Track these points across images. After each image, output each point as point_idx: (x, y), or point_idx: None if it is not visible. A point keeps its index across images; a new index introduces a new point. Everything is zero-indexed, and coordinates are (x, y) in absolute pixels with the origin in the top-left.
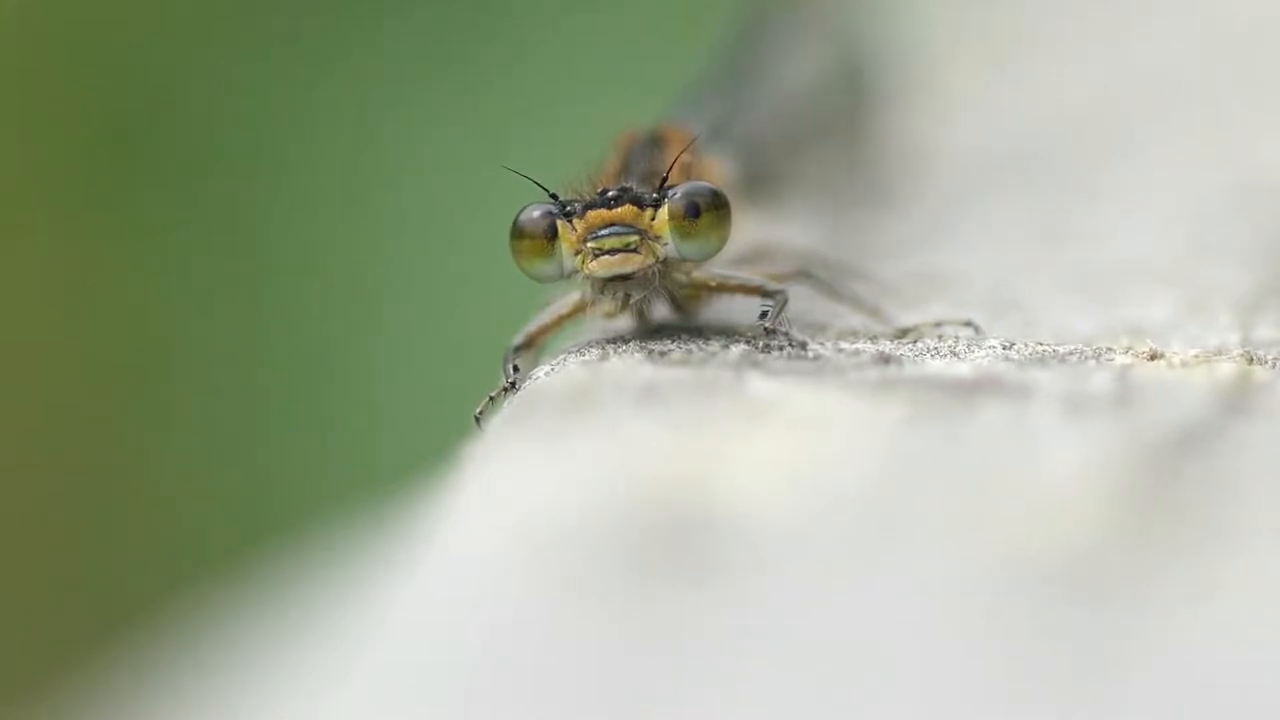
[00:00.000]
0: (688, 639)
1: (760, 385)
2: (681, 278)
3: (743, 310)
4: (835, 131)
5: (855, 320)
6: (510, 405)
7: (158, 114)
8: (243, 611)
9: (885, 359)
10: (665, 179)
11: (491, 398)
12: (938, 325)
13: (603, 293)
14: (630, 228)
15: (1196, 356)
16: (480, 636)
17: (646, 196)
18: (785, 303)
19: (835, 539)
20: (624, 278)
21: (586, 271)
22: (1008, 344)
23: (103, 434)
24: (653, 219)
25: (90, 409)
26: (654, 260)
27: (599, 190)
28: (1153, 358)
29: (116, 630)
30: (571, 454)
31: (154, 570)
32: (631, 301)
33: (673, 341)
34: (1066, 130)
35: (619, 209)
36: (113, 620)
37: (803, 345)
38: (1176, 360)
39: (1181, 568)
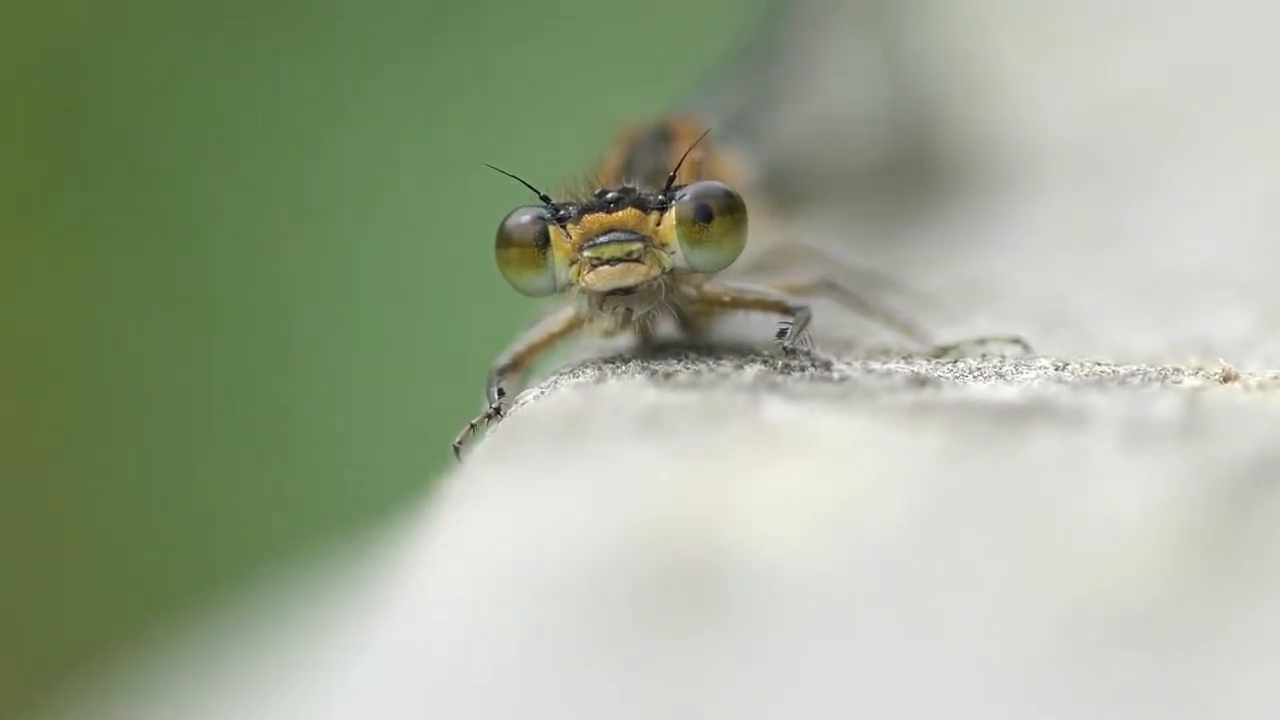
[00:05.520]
0: (694, 704)
1: (778, 411)
2: (690, 291)
3: (759, 327)
4: (868, 124)
5: (887, 337)
6: (494, 433)
7: (90, 112)
8: (191, 666)
9: (921, 381)
10: (673, 178)
11: (473, 425)
12: (981, 343)
13: (601, 308)
14: (632, 234)
15: (1276, 378)
16: (456, 703)
17: (651, 198)
18: (808, 319)
19: (864, 587)
20: (625, 291)
21: (582, 284)
22: (1060, 364)
23: (41, 465)
24: (658, 224)
25: (26, 435)
26: (659, 271)
27: (597, 191)
28: (1226, 380)
29: (61, 677)
30: (563, 489)
31: (100, 611)
32: (634, 318)
33: (679, 361)
34: (1123, 121)
35: (620, 213)
36: (59, 666)
37: (826, 366)
38: (1253, 382)
39: (1256, 618)
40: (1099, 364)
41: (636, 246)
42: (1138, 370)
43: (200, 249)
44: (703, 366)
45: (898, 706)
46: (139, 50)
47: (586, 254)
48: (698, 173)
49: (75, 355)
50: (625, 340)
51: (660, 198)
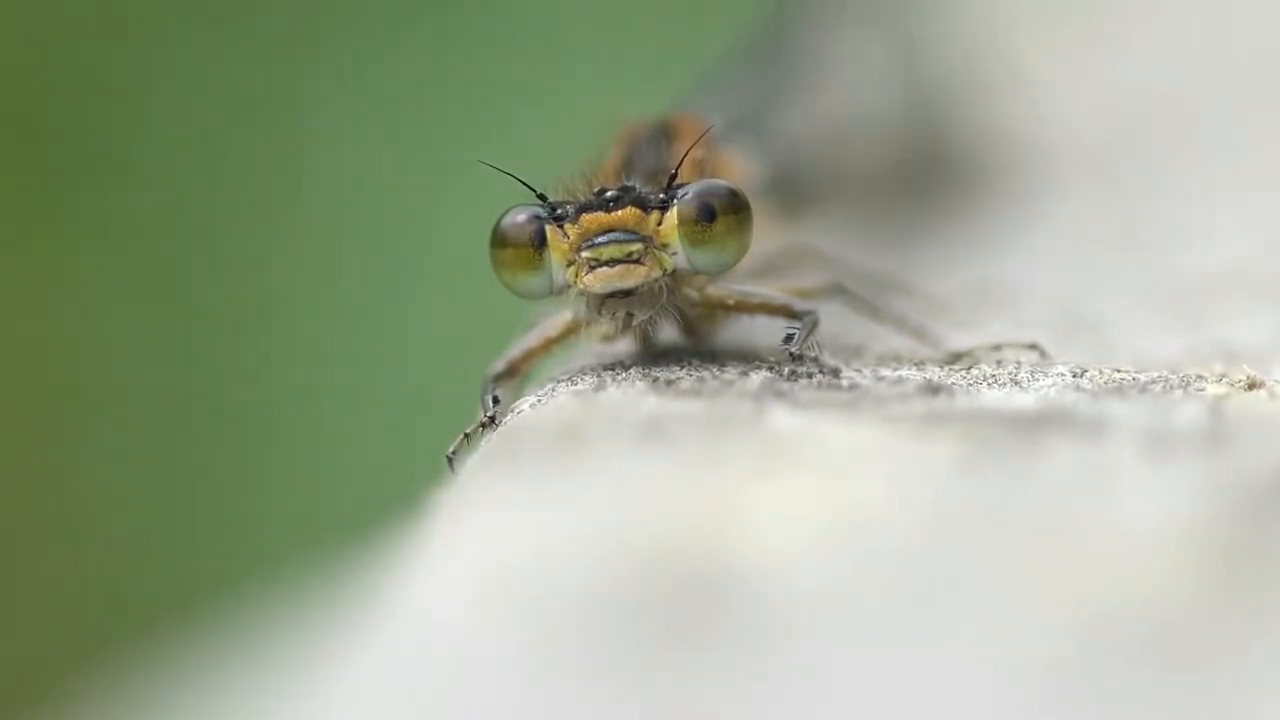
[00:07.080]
0: (694, 714)
1: (785, 419)
2: (693, 294)
3: (765, 332)
4: (878, 123)
5: (898, 343)
6: (489, 443)
7: (78, 113)
8: (191, 668)
9: (933, 388)
10: (674, 176)
11: (467, 434)
12: (996, 348)
13: (600, 311)
14: (633, 234)
15: None
16: (453, 710)
17: (652, 197)
18: (815, 324)
19: (874, 602)
20: (625, 294)
21: (581, 286)
22: (1079, 371)
23: (39, 466)
24: (659, 224)
25: (25, 437)
26: (660, 273)
27: (596, 190)
28: (1251, 387)
29: (60, 678)
30: (560, 501)
31: (100, 612)
32: (634, 322)
33: (681, 367)
34: (1139, 121)
35: (619, 212)
36: (58, 667)
37: (835, 372)
38: (1279, 390)
39: None
40: (1118, 371)
41: (636, 247)
42: (1159, 377)
43: (191, 253)
44: (706, 373)
45: None
46: (129, 50)
47: (585, 255)
48: (700, 171)
49: (73, 358)
50: (625, 345)
51: (661, 196)
